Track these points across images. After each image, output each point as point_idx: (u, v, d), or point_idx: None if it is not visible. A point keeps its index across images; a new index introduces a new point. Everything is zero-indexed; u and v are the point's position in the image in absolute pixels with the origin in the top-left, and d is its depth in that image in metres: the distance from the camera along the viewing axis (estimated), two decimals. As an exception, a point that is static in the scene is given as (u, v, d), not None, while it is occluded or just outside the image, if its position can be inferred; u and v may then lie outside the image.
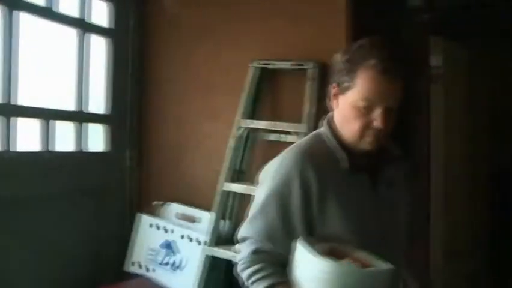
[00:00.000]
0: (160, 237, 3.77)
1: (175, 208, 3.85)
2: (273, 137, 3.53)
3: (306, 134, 3.25)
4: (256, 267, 1.65)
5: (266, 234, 1.66)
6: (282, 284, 1.60)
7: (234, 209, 3.60)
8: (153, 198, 3.96)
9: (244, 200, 3.56)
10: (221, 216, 3.51)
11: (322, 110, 3.35)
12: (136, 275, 3.79)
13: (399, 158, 1.83)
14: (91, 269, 3.55)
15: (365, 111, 1.60)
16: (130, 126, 4.01)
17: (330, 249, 1.57)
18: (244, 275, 1.67)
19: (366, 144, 1.65)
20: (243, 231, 1.73)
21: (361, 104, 1.60)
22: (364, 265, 1.53)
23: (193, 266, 3.47)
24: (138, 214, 3.90)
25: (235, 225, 3.57)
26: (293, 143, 3.27)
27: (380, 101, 1.58)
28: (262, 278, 1.63)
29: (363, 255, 1.59)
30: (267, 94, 3.62)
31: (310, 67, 3.36)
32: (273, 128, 3.47)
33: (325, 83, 3.36)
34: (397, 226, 1.80)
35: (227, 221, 3.58)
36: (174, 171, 3.94)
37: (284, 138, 3.45)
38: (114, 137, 3.88)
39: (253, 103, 3.57)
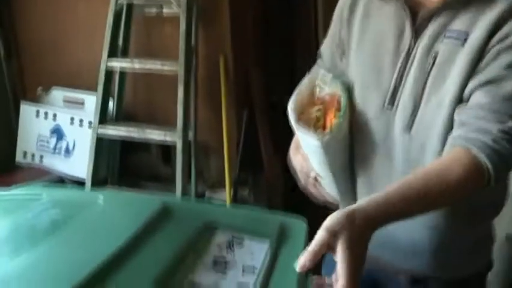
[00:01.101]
0: (48, 124, 3.68)
1: (61, 93, 3.74)
2: (153, 10, 3.41)
3: (185, 5, 3.20)
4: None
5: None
6: None
7: (119, 87, 3.50)
8: (36, 86, 3.81)
9: (128, 77, 3.50)
10: (107, 95, 3.40)
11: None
12: (28, 165, 3.73)
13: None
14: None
15: None
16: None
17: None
18: None
19: None
20: None
21: None
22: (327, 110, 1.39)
23: (85, 149, 3.42)
24: (22, 102, 3.77)
25: (121, 104, 3.53)
26: (174, 16, 3.27)
27: None
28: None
29: (339, 94, 1.41)
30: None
31: None
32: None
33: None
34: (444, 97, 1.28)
35: (113, 100, 3.49)
36: (55, 56, 3.76)
37: (166, 11, 3.36)
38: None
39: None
